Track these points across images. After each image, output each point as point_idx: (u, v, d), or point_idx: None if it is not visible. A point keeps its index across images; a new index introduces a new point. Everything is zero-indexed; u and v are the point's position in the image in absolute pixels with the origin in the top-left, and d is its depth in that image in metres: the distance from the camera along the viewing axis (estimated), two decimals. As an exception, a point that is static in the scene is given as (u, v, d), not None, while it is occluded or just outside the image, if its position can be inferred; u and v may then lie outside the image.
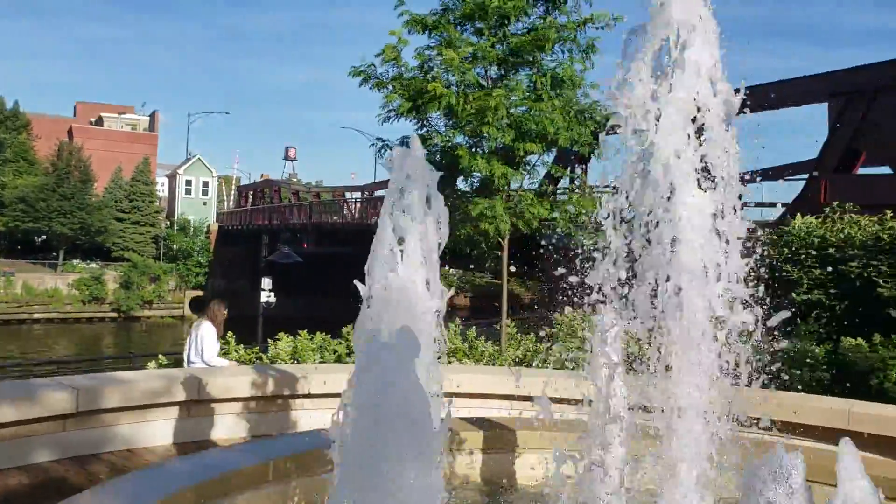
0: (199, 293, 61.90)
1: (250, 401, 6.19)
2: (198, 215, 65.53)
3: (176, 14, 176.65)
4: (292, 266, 22.55)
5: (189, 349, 8.81)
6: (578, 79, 10.89)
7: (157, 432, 5.88)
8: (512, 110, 10.26)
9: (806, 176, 23.76)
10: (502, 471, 5.58)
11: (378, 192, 50.20)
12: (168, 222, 66.53)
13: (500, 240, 11.25)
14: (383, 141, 12.09)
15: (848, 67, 17.47)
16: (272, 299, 18.10)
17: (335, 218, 43.65)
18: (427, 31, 11.42)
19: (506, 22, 11.05)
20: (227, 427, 6.11)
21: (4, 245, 61.47)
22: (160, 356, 10.06)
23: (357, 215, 44.62)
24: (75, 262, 59.05)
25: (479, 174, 10.71)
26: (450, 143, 11.21)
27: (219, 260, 62.09)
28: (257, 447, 5.18)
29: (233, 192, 78.25)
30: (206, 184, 68.59)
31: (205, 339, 8.69)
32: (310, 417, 6.31)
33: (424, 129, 11.53)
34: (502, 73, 11.18)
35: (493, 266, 11.75)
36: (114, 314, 57.42)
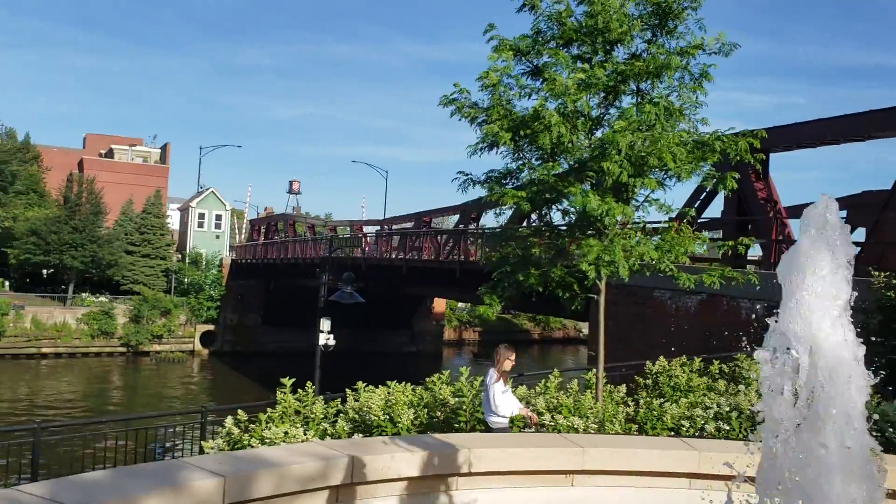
0: (211, 328, 60.70)
1: (413, 481, 5.18)
2: (210, 248, 64.49)
3: (175, 48, 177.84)
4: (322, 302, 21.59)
5: (484, 402, 8.80)
6: (692, 109, 10.05)
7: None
8: (632, 143, 9.36)
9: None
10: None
11: (395, 227, 49.28)
12: (180, 255, 65.47)
13: (597, 282, 10.33)
14: (467, 175, 11.22)
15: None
16: (332, 342, 16.98)
17: (356, 252, 42.64)
18: (519, 58, 10.63)
19: (611, 47, 10.25)
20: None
21: (15, 278, 60.37)
22: (239, 412, 8.99)
23: (373, 251, 43.63)
24: (85, 295, 57.94)
25: (587, 212, 9.76)
26: (546, 177, 10.31)
27: (231, 294, 60.98)
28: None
29: (245, 226, 77.33)
30: (219, 217, 67.65)
31: (492, 389, 8.67)
32: (486, 500, 5.30)
33: (519, 161, 10.66)
34: (608, 101, 10.33)
35: (576, 310, 10.85)
36: (123, 349, 56.30)
